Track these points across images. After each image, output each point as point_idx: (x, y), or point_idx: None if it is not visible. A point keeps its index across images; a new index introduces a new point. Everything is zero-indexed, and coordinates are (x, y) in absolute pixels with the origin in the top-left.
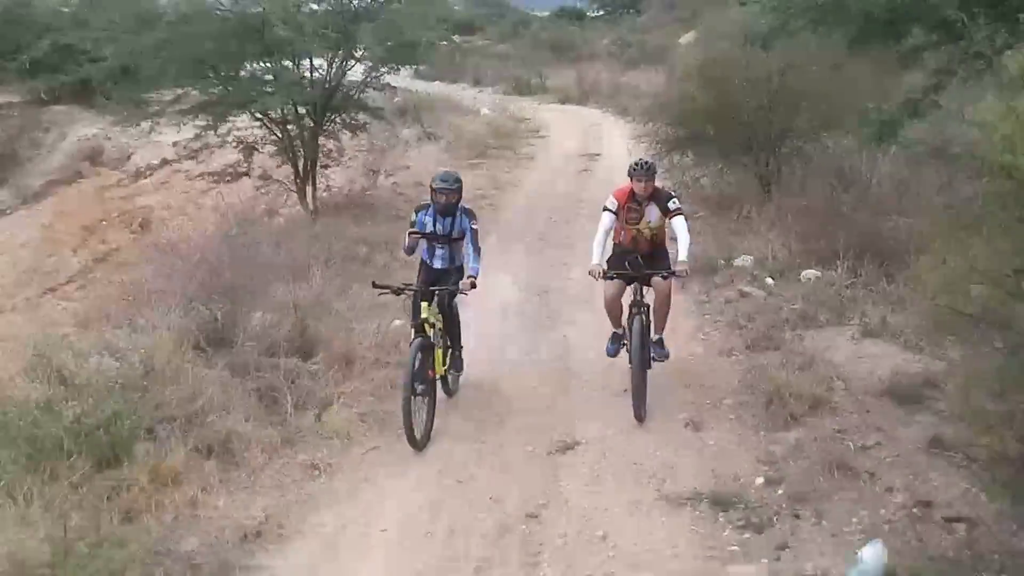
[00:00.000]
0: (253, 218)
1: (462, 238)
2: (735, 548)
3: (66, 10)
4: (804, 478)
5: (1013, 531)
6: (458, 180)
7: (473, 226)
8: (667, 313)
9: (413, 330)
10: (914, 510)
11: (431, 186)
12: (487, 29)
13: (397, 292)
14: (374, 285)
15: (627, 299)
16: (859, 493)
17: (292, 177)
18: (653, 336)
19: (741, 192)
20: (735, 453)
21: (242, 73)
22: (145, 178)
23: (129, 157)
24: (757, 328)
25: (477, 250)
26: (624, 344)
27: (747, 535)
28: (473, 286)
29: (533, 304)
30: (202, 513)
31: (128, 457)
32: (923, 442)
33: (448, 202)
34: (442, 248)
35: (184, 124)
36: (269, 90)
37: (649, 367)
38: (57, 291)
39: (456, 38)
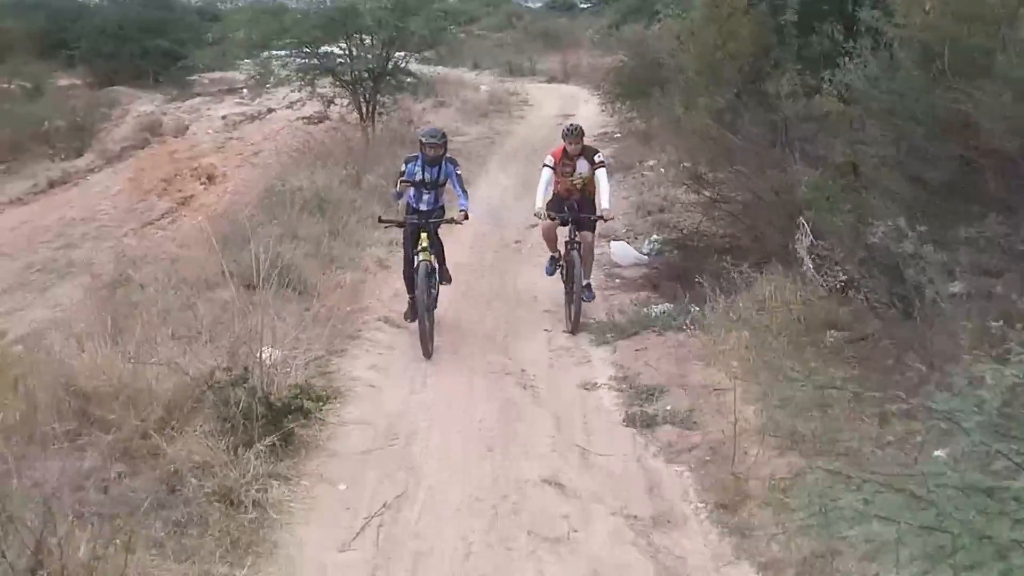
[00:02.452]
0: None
1: (445, 183)
2: (614, 241)
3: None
4: (644, 230)
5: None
6: (444, 135)
7: (458, 172)
8: (592, 262)
9: (416, 256)
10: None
11: (420, 140)
12: (483, 20)
13: (400, 225)
14: (380, 220)
15: (563, 237)
16: (659, 231)
17: (358, 120)
18: (583, 281)
19: (660, 128)
20: (618, 224)
21: (323, 49)
22: (255, 121)
23: (187, 127)
24: (646, 186)
25: (464, 191)
26: (561, 267)
27: (620, 240)
28: (466, 217)
29: (520, 187)
30: (370, 237)
31: (336, 215)
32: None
33: (435, 154)
34: (429, 193)
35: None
36: (346, 61)
37: (587, 293)
38: (154, 224)
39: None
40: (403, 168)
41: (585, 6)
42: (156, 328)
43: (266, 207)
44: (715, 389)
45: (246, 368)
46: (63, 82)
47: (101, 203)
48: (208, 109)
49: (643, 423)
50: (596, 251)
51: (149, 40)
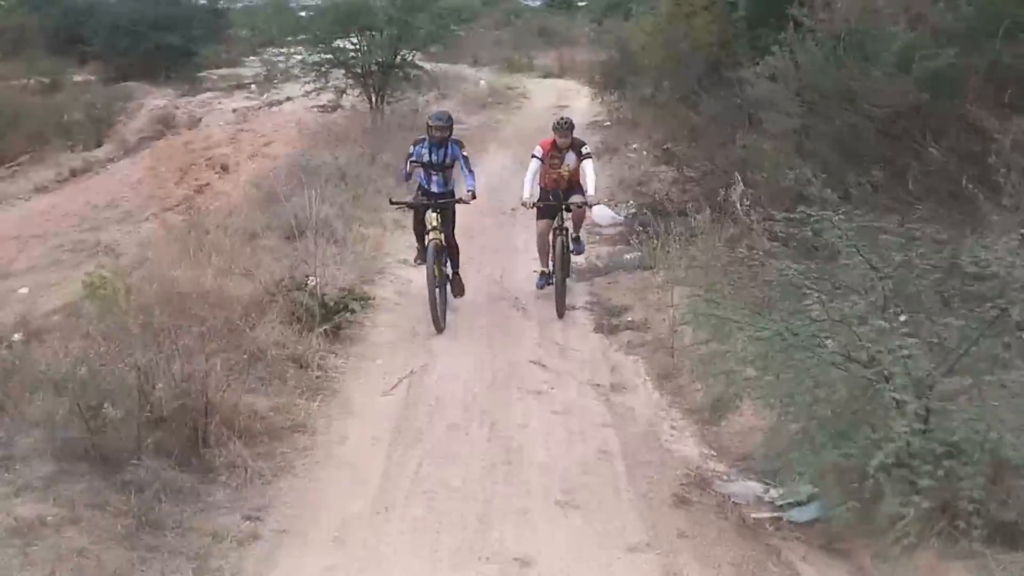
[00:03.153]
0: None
1: (453, 165)
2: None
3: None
4: (624, 198)
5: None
6: (450, 118)
7: (464, 153)
8: (582, 223)
9: (426, 235)
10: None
11: (428, 123)
12: (483, 17)
13: (411, 207)
14: (391, 202)
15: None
16: (636, 199)
17: (368, 109)
18: (572, 235)
19: (645, 115)
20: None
21: (335, 44)
22: (278, 105)
23: (200, 120)
24: (628, 165)
25: (471, 171)
26: (549, 281)
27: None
28: (474, 196)
29: (516, 167)
30: (386, 204)
31: (357, 185)
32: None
33: (442, 136)
34: (438, 175)
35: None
36: (358, 55)
37: (568, 275)
38: (172, 210)
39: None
40: (411, 150)
41: (583, 3)
42: (226, 258)
43: (296, 178)
44: (666, 306)
45: (307, 276)
46: (78, 77)
47: (122, 190)
48: (219, 103)
49: (609, 330)
50: None
51: (161, 37)
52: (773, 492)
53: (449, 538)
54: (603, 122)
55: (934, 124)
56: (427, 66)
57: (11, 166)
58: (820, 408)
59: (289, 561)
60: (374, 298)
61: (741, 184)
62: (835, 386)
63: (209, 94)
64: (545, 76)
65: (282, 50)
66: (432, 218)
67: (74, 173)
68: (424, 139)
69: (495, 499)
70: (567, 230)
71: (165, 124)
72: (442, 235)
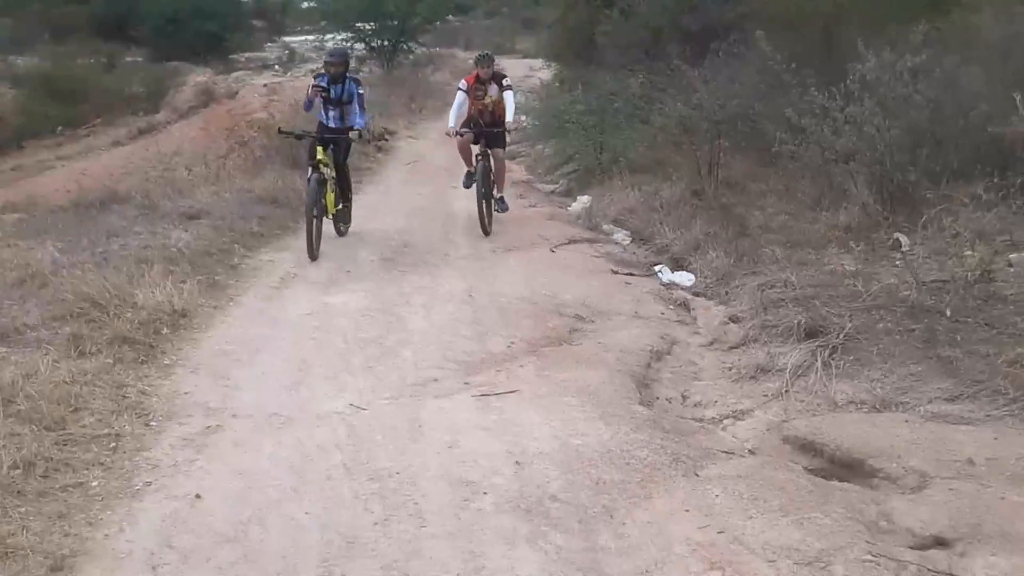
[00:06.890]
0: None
1: (350, 102)
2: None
3: None
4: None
5: None
6: (345, 54)
7: (360, 91)
8: (503, 178)
9: (310, 168)
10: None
11: (324, 60)
12: (475, 9)
13: (298, 137)
14: (279, 131)
15: (476, 154)
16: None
17: (382, 71)
18: (496, 194)
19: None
20: None
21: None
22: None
23: (236, 92)
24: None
25: (362, 109)
26: (473, 179)
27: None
28: (360, 136)
29: None
30: (397, 122)
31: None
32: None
33: (336, 72)
34: (335, 110)
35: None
36: (373, 31)
37: (492, 198)
38: (226, 157)
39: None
40: (313, 81)
41: None
42: None
43: None
44: (540, 150)
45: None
46: (128, 58)
47: (183, 144)
48: (251, 80)
49: (511, 157)
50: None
51: (201, 25)
52: (554, 186)
53: (435, 181)
54: (553, 83)
55: (655, 53)
56: (424, 49)
57: (88, 127)
58: (571, 146)
59: (393, 171)
60: (396, 133)
61: (581, 86)
62: (577, 137)
63: (240, 72)
64: (523, 57)
65: (297, 37)
66: (320, 151)
67: (141, 132)
68: (324, 74)
69: (446, 190)
70: (490, 155)
71: (208, 95)
72: (329, 168)
